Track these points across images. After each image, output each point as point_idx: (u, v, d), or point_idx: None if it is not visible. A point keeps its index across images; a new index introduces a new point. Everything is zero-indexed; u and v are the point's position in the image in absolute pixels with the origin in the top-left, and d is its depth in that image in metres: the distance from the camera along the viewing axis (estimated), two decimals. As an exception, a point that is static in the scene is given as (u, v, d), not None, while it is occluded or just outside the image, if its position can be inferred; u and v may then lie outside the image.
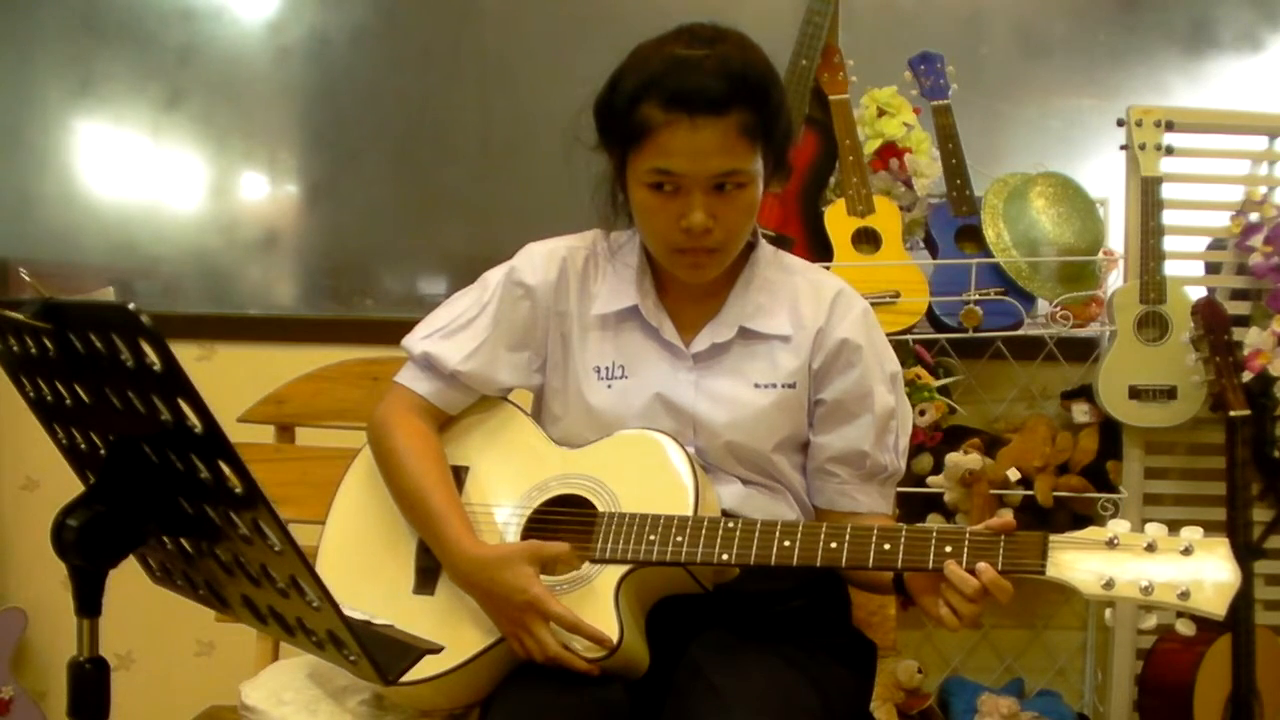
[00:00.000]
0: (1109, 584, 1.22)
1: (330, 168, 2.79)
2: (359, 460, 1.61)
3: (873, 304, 1.62)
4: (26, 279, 2.58)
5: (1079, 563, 1.24)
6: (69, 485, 1.04)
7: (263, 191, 2.81)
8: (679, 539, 1.36)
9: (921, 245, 2.47)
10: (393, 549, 1.51)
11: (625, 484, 1.43)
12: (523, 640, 1.37)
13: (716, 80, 1.36)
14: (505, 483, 1.51)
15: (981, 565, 1.26)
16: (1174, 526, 1.24)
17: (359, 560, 1.53)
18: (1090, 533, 1.25)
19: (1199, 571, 1.20)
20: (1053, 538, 1.25)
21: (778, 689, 1.33)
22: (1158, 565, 1.21)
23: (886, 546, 1.31)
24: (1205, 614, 1.19)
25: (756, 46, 1.44)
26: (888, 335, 1.61)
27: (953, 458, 2.35)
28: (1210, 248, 2.55)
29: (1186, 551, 1.21)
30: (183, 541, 1.05)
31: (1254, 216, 2.47)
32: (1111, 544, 1.23)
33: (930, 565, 1.29)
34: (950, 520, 2.37)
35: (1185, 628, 1.25)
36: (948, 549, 1.28)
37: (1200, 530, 1.23)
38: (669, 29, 1.44)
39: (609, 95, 1.44)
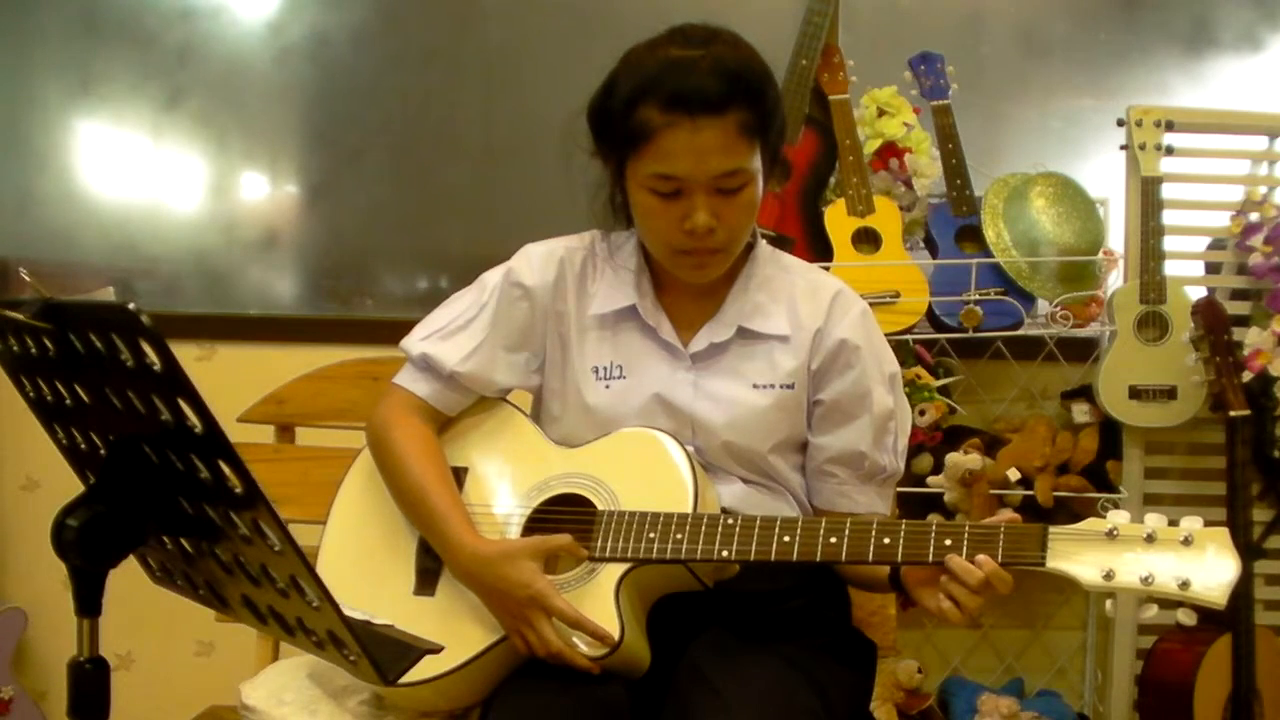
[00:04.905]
0: (1109, 575, 1.22)
1: (330, 168, 2.79)
2: (359, 461, 1.61)
3: (872, 304, 1.62)
4: (26, 279, 2.57)
5: (1079, 554, 1.24)
6: (69, 485, 1.04)
7: (263, 191, 2.81)
8: (679, 536, 1.36)
9: (921, 245, 2.47)
10: (393, 550, 1.51)
11: (625, 482, 1.44)
12: (525, 635, 1.37)
13: (714, 80, 1.36)
14: (505, 483, 1.51)
15: (982, 557, 1.26)
16: (1174, 524, 1.24)
17: (359, 561, 1.53)
18: (1090, 524, 1.25)
19: (1199, 561, 1.20)
20: (1052, 530, 1.26)
21: (777, 689, 1.33)
22: (1158, 556, 1.22)
23: (886, 540, 1.31)
24: (1206, 603, 1.19)
25: (749, 45, 1.44)
26: (888, 335, 1.61)
27: (953, 458, 2.35)
28: (1210, 248, 2.55)
29: (1186, 542, 1.21)
30: (183, 541, 1.05)
31: (1254, 216, 2.47)
32: (1111, 535, 1.23)
33: (930, 558, 1.29)
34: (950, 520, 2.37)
35: (1186, 618, 1.25)
36: (947, 542, 1.29)
37: (1200, 520, 1.23)
38: (661, 31, 1.44)
39: (604, 100, 1.44)
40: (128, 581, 1.13)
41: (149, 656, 2.69)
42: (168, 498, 1.00)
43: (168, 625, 2.57)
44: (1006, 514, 1.33)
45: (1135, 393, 2.37)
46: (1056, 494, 2.36)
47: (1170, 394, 2.37)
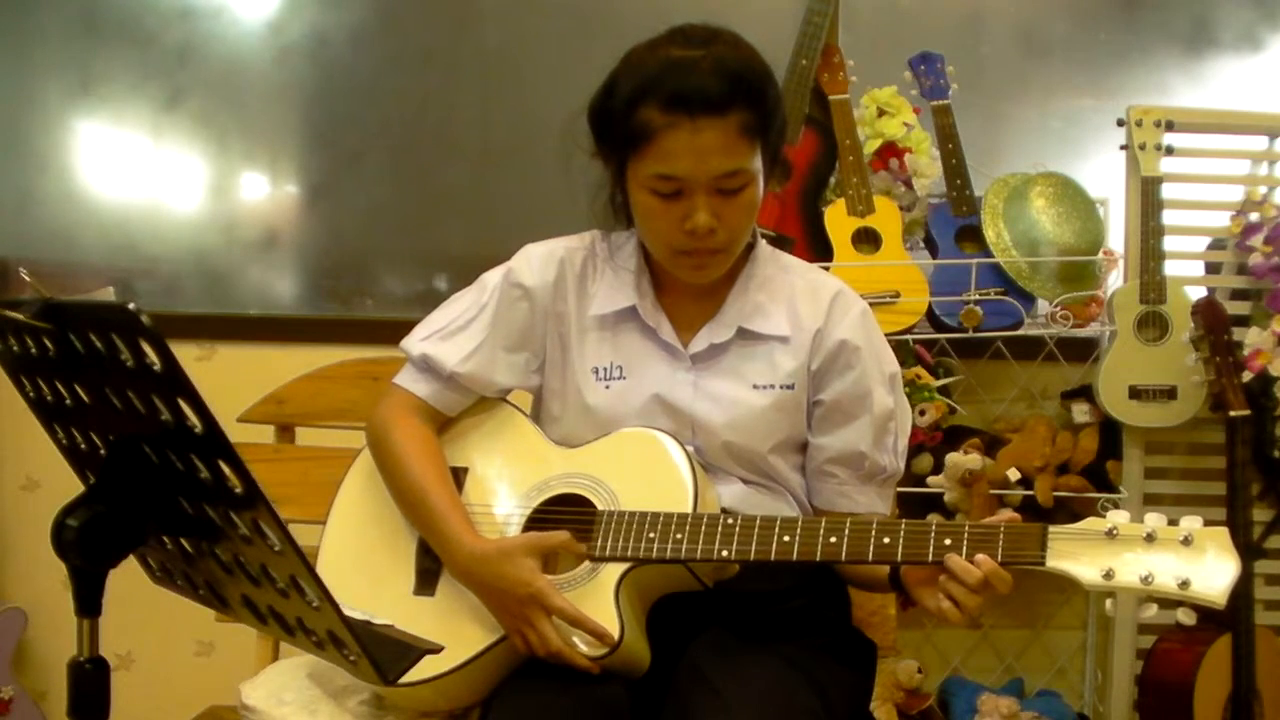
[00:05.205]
0: (1109, 574, 1.22)
1: (330, 168, 2.79)
2: (359, 461, 1.61)
3: (872, 304, 1.62)
4: (26, 279, 2.57)
5: (1078, 553, 1.24)
6: (69, 485, 1.04)
7: (263, 191, 2.81)
8: (679, 536, 1.36)
9: (921, 245, 2.47)
10: (393, 550, 1.51)
11: (625, 482, 1.44)
12: (525, 634, 1.37)
13: (715, 80, 1.36)
14: (505, 483, 1.51)
15: (981, 556, 1.26)
16: (1174, 524, 1.24)
17: (359, 561, 1.53)
18: (1089, 524, 1.25)
19: (1199, 561, 1.20)
20: (1052, 529, 1.26)
21: (777, 689, 1.33)
22: (1157, 555, 1.22)
23: (886, 540, 1.31)
24: (1206, 603, 1.19)
25: (749, 45, 1.44)
26: (888, 335, 1.61)
27: (953, 458, 2.35)
28: (1210, 248, 2.55)
29: (1186, 541, 1.21)
30: (183, 541, 1.06)
31: (1254, 216, 2.47)
32: (1111, 535, 1.23)
33: (930, 558, 1.29)
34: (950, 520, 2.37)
35: (1186, 617, 1.25)
36: (947, 541, 1.29)
37: (1200, 520, 1.23)
38: (661, 31, 1.44)
39: (605, 100, 1.44)
40: (128, 581, 1.13)
41: (149, 656, 2.69)
42: (168, 498, 1.00)
43: (168, 625, 2.57)
44: (1006, 514, 1.33)
45: (1135, 393, 2.37)
46: (1056, 494, 2.36)
47: (1170, 394, 2.37)
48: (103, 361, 0.93)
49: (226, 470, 0.92)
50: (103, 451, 1.04)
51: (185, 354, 2.62)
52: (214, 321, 2.71)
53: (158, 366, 0.88)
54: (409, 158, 2.76)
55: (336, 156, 2.78)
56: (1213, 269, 2.55)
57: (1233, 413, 2.17)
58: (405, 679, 1.25)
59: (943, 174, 2.43)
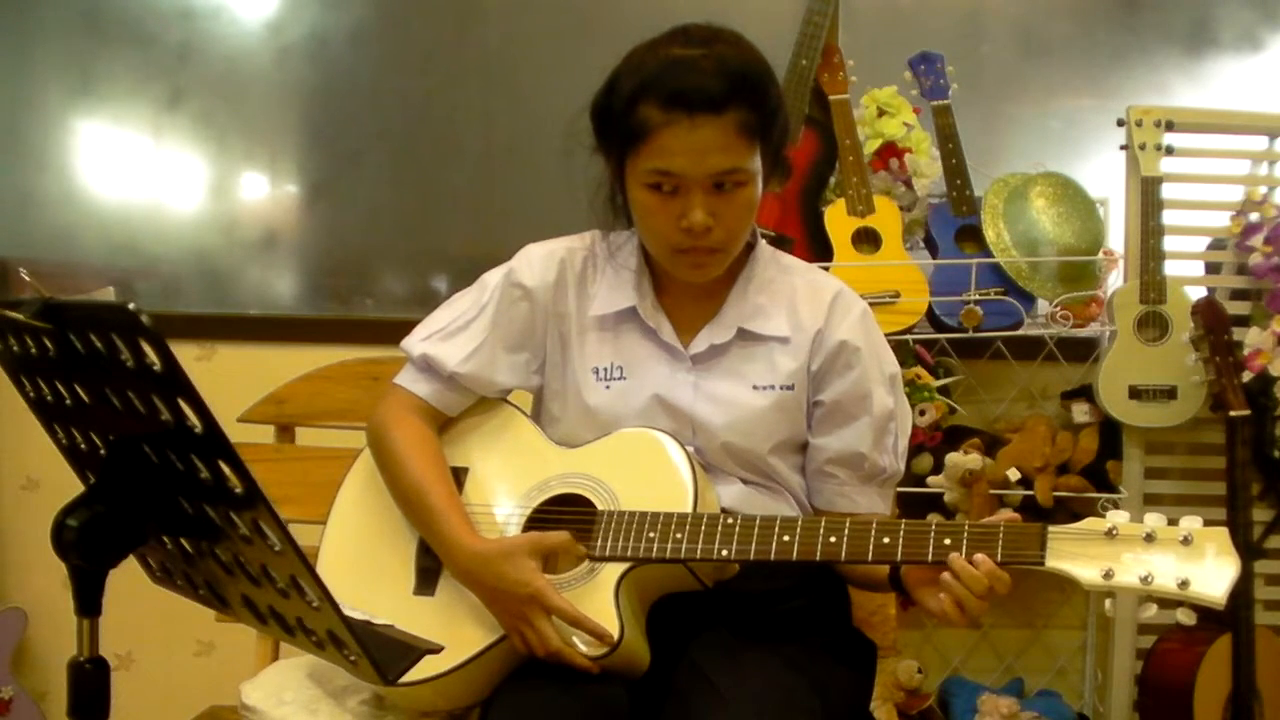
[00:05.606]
0: (1109, 574, 1.22)
1: (330, 168, 2.79)
2: (359, 461, 1.61)
3: (872, 304, 1.62)
4: (26, 279, 2.58)
5: (1078, 553, 1.24)
6: (69, 485, 1.04)
7: (263, 191, 2.81)
8: (678, 536, 1.36)
9: (921, 245, 2.47)
10: (393, 550, 1.51)
11: (625, 482, 1.44)
12: (524, 634, 1.37)
13: (715, 79, 1.36)
14: (505, 483, 1.51)
15: (980, 556, 1.26)
16: (1174, 524, 1.24)
17: (359, 561, 1.53)
18: (1089, 524, 1.25)
19: (1199, 561, 1.20)
20: (1052, 529, 1.26)
21: (778, 689, 1.34)
22: (1157, 555, 1.22)
23: (885, 540, 1.31)
24: (1206, 602, 1.19)
25: (752, 45, 1.45)
26: (888, 335, 1.61)
27: (953, 458, 2.35)
28: (1210, 248, 2.55)
29: (1186, 541, 1.21)
30: (183, 541, 1.06)
31: (1254, 216, 2.47)
32: (1110, 535, 1.23)
33: (930, 558, 1.29)
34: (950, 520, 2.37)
35: (1186, 617, 1.25)
36: (946, 541, 1.29)
37: (1199, 520, 1.23)
38: (664, 30, 1.44)
39: (606, 98, 1.45)
40: (128, 581, 1.13)
41: (149, 656, 2.69)
42: (168, 498, 1.00)
43: (168, 625, 2.57)
44: (1006, 514, 1.33)
45: (1135, 393, 2.37)
46: (1056, 494, 2.36)
47: (1170, 394, 2.37)
48: (103, 361, 0.93)
49: (226, 470, 0.92)
50: (103, 451, 1.04)
51: (185, 354, 2.63)
52: (214, 321, 2.71)
53: (158, 366, 0.88)
54: (409, 158, 2.77)
55: (336, 156, 2.78)
56: (1213, 269, 2.54)
57: (1233, 413, 2.17)
58: (405, 679, 1.25)
59: (943, 174, 2.43)
